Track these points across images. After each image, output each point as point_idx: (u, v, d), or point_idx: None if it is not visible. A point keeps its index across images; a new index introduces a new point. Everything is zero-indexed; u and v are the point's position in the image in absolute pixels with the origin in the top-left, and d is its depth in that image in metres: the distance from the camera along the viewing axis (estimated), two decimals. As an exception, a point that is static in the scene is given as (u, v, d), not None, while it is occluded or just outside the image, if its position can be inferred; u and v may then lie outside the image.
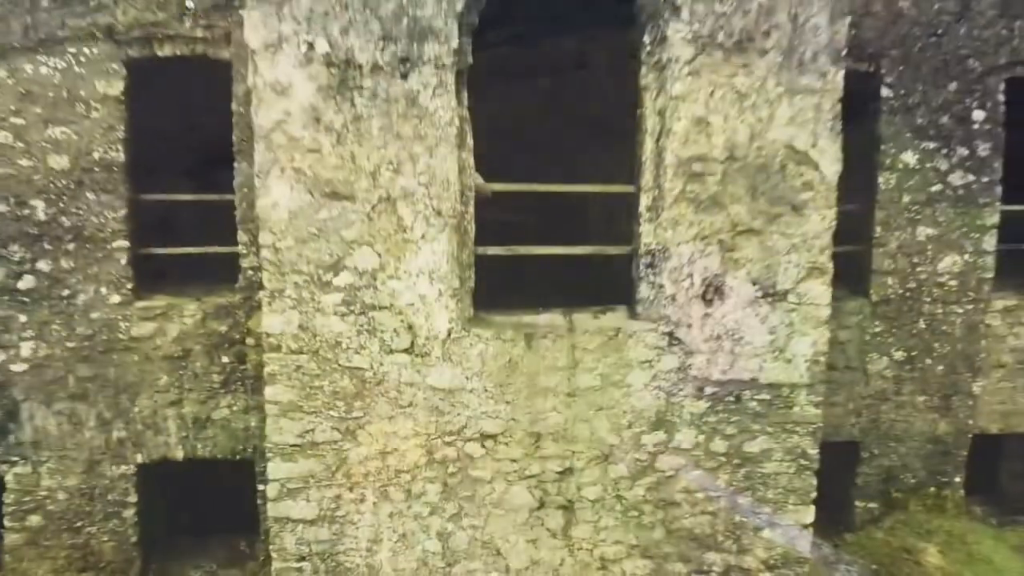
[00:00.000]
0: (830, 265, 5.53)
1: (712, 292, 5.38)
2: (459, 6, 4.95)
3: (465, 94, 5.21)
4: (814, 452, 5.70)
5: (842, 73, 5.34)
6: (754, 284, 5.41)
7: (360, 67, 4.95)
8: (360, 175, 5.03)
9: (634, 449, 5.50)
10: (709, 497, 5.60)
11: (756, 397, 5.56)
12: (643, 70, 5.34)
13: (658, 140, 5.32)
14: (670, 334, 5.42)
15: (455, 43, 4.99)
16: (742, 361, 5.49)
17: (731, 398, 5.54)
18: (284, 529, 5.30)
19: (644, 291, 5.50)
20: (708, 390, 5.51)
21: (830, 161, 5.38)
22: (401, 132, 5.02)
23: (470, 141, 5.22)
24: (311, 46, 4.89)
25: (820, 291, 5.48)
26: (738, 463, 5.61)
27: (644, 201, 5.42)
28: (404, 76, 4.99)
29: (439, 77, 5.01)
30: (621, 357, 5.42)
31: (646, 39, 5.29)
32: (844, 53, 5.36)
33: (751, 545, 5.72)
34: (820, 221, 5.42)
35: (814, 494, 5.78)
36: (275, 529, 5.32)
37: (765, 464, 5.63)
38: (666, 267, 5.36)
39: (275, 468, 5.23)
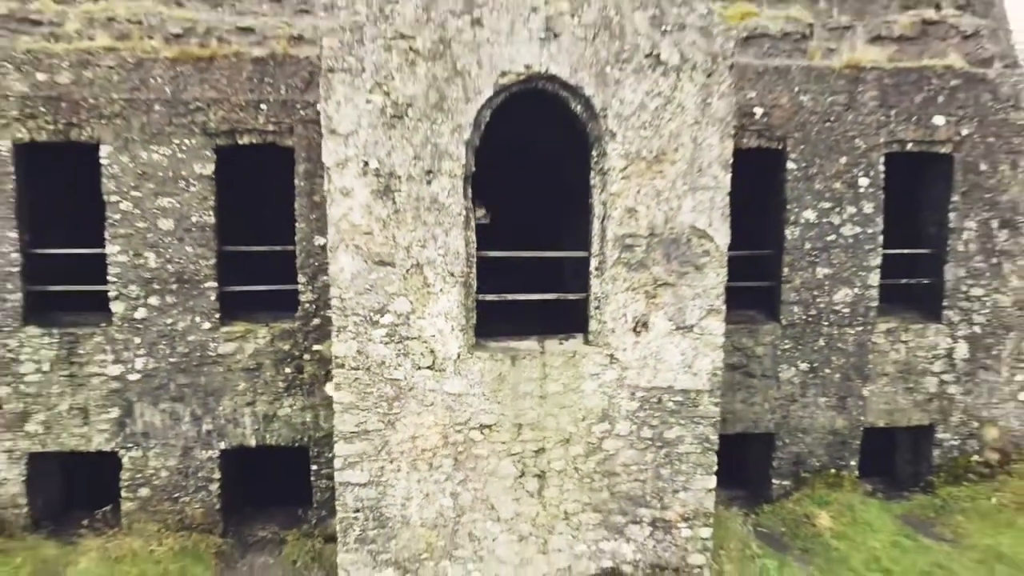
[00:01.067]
0: (723, 306, 8.04)
1: (640, 326, 7.90)
2: (466, 136, 7.47)
3: (470, 191, 7.72)
4: (715, 438, 8.22)
5: (729, 176, 7.85)
6: (670, 321, 7.94)
7: (399, 177, 7.47)
8: (398, 249, 7.55)
9: (587, 435, 8.04)
10: (640, 469, 8.14)
11: (672, 399, 8.09)
12: (592, 174, 7.88)
13: (602, 222, 7.84)
14: (611, 355, 7.95)
15: (463, 160, 7.51)
16: (662, 374, 8.02)
17: (655, 400, 8.07)
18: (346, 490, 7.83)
19: (593, 325, 8.04)
20: (638, 394, 8.04)
21: (722, 236, 7.89)
22: (426, 220, 7.54)
23: (474, 224, 7.73)
24: (366, 164, 7.41)
25: (716, 325, 8.01)
26: (660, 445, 8.14)
27: (593, 263, 7.96)
28: (429, 182, 7.51)
29: (452, 183, 7.53)
30: (577, 371, 7.95)
31: (593, 153, 7.82)
32: (731, 162, 7.87)
33: (671, 503, 8.25)
34: (715, 277, 7.93)
35: (715, 468, 8.30)
36: (340, 490, 7.85)
37: (679, 446, 8.16)
38: (608, 309, 7.89)
39: (340, 448, 7.76)
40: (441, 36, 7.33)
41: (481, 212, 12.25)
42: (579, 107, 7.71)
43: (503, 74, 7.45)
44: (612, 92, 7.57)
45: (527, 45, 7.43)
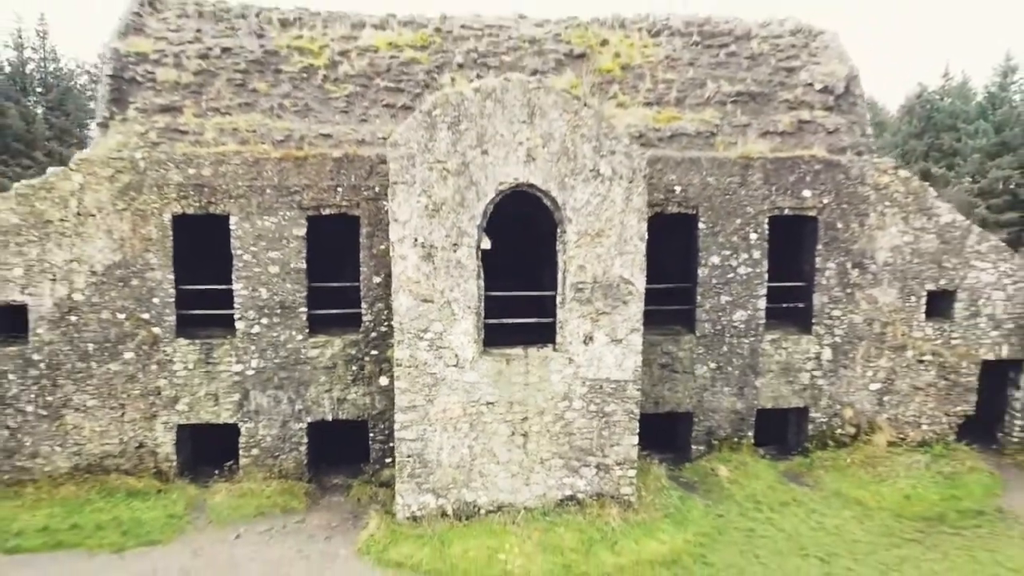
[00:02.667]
0: (641, 327, 12.92)
1: (588, 339, 12.79)
2: (478, 222, 12.34)
3: (480, 254, 12.58)
4: (636, 411, 13.10)
5: (644, 244, 12.72)
6: (607, 336, 12.83)
7: (436, 247, 12.35)
8: (436, 292, 12.43)
9: (554, 409, 12.92)
10: (589, 431, 13.03)
11: (609, 386, 12.97)
12: (558, 243, 12.77)
13: (564, 273, 12.73)
14: (570, 358, 12.84)
15: (476, 237, 12.38)
16: (603, 370, 12.90)
17: (598, 386, 12.96)
18: (402, 443, 12.72)
19: (559, 339, 12.93)
20: (587, 382, 12.93)
21: (640, 282, 12.77)
22: (453, 274, 12.42)
23: (482, 275, 12.60)
24: (416, 239, 12.29)
25: (637, 339, 12.89)
26: (601, 416, 13.02)
27: (559, 300, 12.85)
28: (455, 251, 12.39)
29: (469, 251, 12.40)
30: (548, 368, 12.84)
31: (558, 231, 12.71)
32: (646, 237, 12.73)
33: (609, 453, 13.14)
34: (636, 308, 12.82)
35: (637, 430, 13.17)
36: (398, 444, 12.73)
37: (614, 416, 13.05)
38: (568, 328, 12.78)
39: (399, 416, 12.65)
40: (463, 160, 12.22)
41: (488, 242, 17.11)
42: (548, 202, 12.60)
43: (501, 183, 12.33)
44: (569, 193, 12.46)
45: (515, 165, 12.32)
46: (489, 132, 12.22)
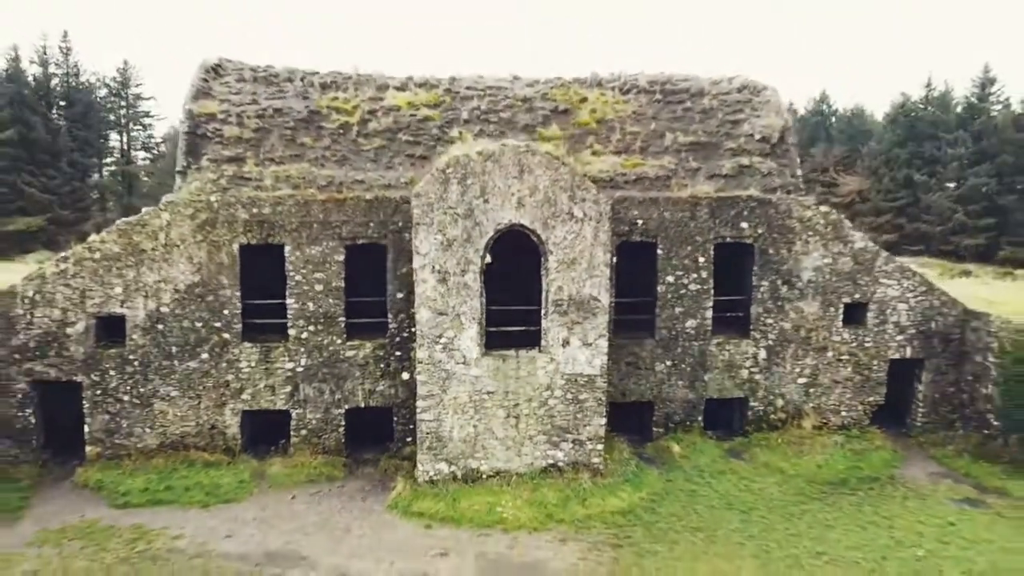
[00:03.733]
0: (607, 333, 17.07)
1: (565, 343, 16.95)
2: (481, 253, 16.50)
3: (483, 277, 16.74)
4: (604, 399, 17.25)
5: (609, 271, 16.88)
6: (580, 341, 17.00)
7: (449, 273, 16.51)
8: (449, 307, 16.59)
9: (539, 397, 17.09)
10: (566, 414, 17.20)
11: (582, 379, 17.13)
12: (542, 269, 16.94)
13: (546, 293, 16.89)
14: (551, 358, 17.00)
15: (479, 264, 16.55)
16: (577, 367, 17.07)
17: (573, 380, 17.11)
18: (422, 423, 16.89)
19: (543, 343, 17.09)
20: (566, 376, 17.09)
21: (605, 299, 16.92)
22: (462, 293, 16.58)
23: (484, 294, 16.77)
24: (433, 267, 16.46)
25: (603, 343, 17.05)
26: (576, 402, 17.19)
27: (543, 312, 17.01)
28: (463, 275, 16.55)
29: (475, 275, 16.56)
30: (535, 365, 17.01)
31: (543, 260, 16.87)
32: (610, 264, 16.89)
33: (582, 431, 17.29)
34: (603, 319, 16.98)
35: (605, 414, 17.32)
36: (419, 424, 16.89)
37: (586, 403, 17.22)
38: (550, 335, 16.95)
39: (420, 403, 16.81)
40: (469, 207, 16.39)
41: (488, 257, 21.12)
42: (535, 238, 16.77)
43: (498, 224, 16.49)
44: (550, 231, 16.62)
45: (510, 210, 16.48)
46: (489, 185, 16.39)
